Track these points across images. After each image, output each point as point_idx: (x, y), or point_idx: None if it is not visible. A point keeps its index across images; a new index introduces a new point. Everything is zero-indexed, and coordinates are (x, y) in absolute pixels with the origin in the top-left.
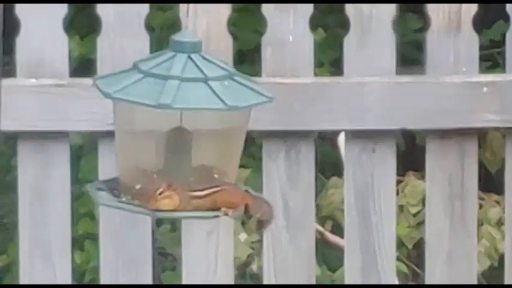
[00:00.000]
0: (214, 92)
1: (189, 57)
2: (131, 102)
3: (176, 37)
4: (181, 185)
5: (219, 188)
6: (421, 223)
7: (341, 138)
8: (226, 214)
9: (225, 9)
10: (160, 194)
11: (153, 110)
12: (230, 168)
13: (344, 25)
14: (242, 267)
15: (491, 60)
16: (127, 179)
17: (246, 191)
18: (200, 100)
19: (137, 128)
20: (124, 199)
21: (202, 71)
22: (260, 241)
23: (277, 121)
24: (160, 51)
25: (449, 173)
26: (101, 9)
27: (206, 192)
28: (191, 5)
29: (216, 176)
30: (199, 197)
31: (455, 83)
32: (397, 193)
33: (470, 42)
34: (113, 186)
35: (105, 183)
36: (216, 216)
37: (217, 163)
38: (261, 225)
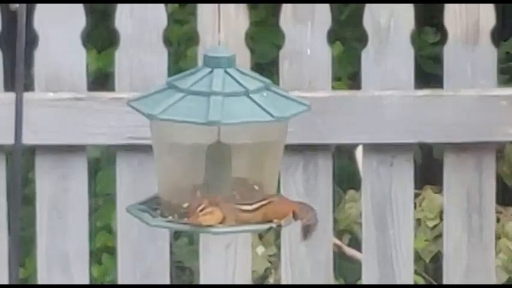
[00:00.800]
0: (259, 105)
1: (226, 72)
2: (179, 121)
3: (210, 53)
4: (225, 200)
5: (267, 201)
6: (439, 237)
7: (359, 152)
8: (279, 225)
9: (243, 22)
10: (201, 210)
11: (191, 126)
12: (270, 180)
13: (362, 38)
14: (260, 281)
15: (508, 74)
16: (169, 197)
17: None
18: (247, 114)
19: (176, 145)
20: (170, 218)
21: (241, 85)
22: (278, 254)
23: (295, 134)
24: (193, 69)
25: (466, 186)
26: (119, 22)
27: (255, 206)
28: (209, 18)
29: (256, 188)
30: (248, 211)
31: (473, 97)
32: (415, 207)
33: (488, 55)
34: (154, 206)
35: (145, 204)
36: (270, 228)
37: (257, 176)
38: (307, 230)
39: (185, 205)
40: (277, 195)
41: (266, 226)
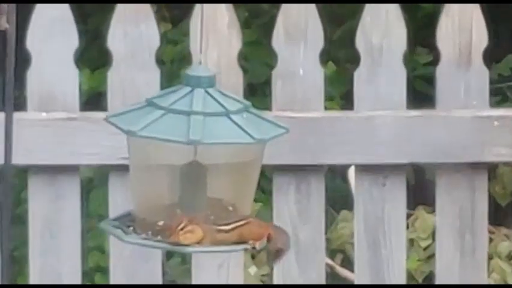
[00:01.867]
0: (239, 126)
1: (206, 91)
2: (159, 139)
3: (191, 72)
4: (203, 220)
5: (244, 222)
6: (431, 257)
7: (351, 172)
8: (254, 247)
9: (236, 42)
10: (181, 229)
11: (168, 144)
12: (245, 201)
13: (354, 59)
14: None
15: (500, 95)
16: (144, 214)
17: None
18: (227, 134)
19: (153, 163)
20: (144, 235)
21: (222, 105)
22: (270, 274)
23: (288, 155)
24: (173, 87)
25: (459, 206)
26: (112, 42)
27: (232, 226)
28: (202, 37)
29: (230, 209)
30: (225, 231)
31: (465, 117)
32: (407, 227)
33: (481, 76)
34: (127, 223)
35: (118, 220)
36: (246, 249)
37: (232, 196)
38: (278, 254)
39: (161, 223)
40: (252, 216)
41: (241, 247)
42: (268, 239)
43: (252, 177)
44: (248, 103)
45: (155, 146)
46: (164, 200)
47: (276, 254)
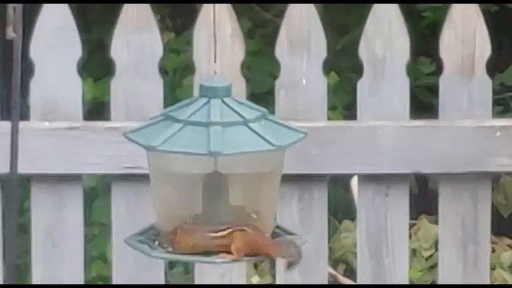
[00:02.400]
0: (258, 134)
1: (223, 101)
2: (180, 153)
3: (206, 82)
4: (195, 227)
5: (233, 229)
6: (434, 267)
7: (354, 182)
8: (226, 259)
9: (239, 52)
10: (172, 238)
11: (188, 156)
12: (268, 209)
13: (357, 69)
14: None
15: (502, 105)
16: (167, 227)
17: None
18: (247, 143)
19: (174, 175)
20: (170, 249)
21: (239, 114)
22: (273, 283)
23: (291, 164)
24: (189, 99)
25: (461, 216)
26: (115, 51)
27: (222, 233)
28: (205, 47)
29: (254, 216)
30: (216, 238)
31: (468, 127)
32: (410, 237)
33: (484, 86)
34: (152, 237)
35: (143, 235)
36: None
37: (255, 205)
38: (289, 265)
39: None
40: (251, 225)
41: (219, 260)
42: (269, 256)
43: (273, 184)
44: (265, 110)
45: (175, 158)
46: (186, 212)
47: (287, 264)
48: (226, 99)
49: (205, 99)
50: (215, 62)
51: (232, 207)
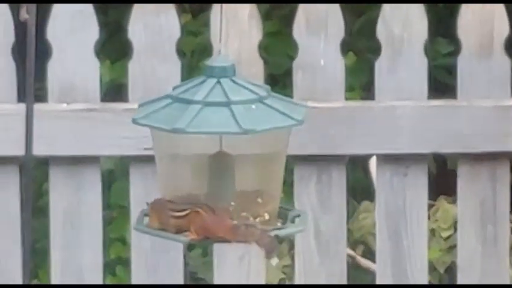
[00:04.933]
0: (234, 116)
1: (218, 81)
2: (150, 127)
3: (209, 62)
4: (159, 205)
5: (190, 211)
6: (453, 247)
7: (373, 163)
8: (188, 238)
9: (256, 33)
10: (145, 215)
11: (193, 136)
12: (273, 190)
13: (375, 49)
14: None
15: None
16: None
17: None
18: (216, 124)
19: (176, 154)
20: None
21: (226, 95)
22: (292, 265)
23: (309, 145)
24: (197, 77)
25: (480, 197)
26: (132, 33)
27: (182, 213)
28: (222, 29)
29: (259, 200)
30: (177, 217)
31: (486, 107)
32: (428, 217)
33: (502, 66)
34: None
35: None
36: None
37: (260, 186)
38: (267, 254)
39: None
40: (207, 208)
41: (182, 238)
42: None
43: (278, 164)
44: (266, 94)
45: (178, 138)
46: (191, 191)
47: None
48: (222, 80)
49: (202, 78)
50: (220, 41)
51: (235, 188)
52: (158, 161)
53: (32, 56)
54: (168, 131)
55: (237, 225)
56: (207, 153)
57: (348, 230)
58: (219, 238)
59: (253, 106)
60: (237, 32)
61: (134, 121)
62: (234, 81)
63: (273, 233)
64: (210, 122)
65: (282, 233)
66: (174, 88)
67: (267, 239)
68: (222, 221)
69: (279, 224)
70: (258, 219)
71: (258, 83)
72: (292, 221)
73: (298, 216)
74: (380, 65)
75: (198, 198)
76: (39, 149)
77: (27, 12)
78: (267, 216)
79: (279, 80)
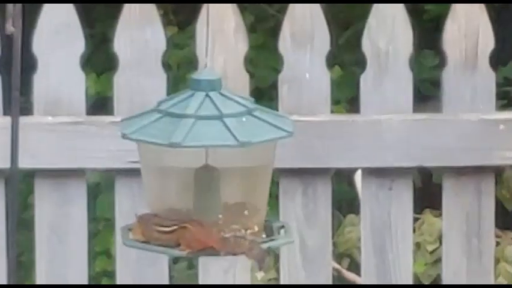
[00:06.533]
0: (228, 129)
1: (207, 95)
2: (144, 142)
3: (195, 75)
4: (146, 220)
5: (179, 226)
6: (438, 261)
7: (358, 176)
8: (184, 251)
9: (242, 46)
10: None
11: (180, 150)
12: (258, 203)
13: (361, 63)
14: None
15: (506, 98)
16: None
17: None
18: (212, 137)
19: (162, 167)
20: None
21: (218, 109)
22: (277, 279)
23: (294, 158)
24: (183, 91)
25: (466, 210)
26: (118, 46)
27: (169, 229)
28: (208, 42)
29: (245, 213)
30: (164, 233)
31: (471, 121)
32: (414, 231)
33: (487, 79)
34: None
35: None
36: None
37: (245, 199)
38: (259, 265)
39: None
40: (194, 222)
41: (177, 252)
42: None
43: (265, 177)
44: (254, 106)
45: (165, 150)
46: (178, 204)
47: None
48: (211, 93)
49: (190, 92)
50: (206, 56)
51: (223, 202)
52: (145, 175)
53: (18, 69)
54: (165, 146)
55: (227, 237)
56: (193, 167)
57: (334, 243)
58: (211, 249)
59: (244, 119)
60: (222, 45)
61: (124, 136)
62: (222, 94)
63: (265, 245)
64: (205, 135)
65: (273, 244)
66: (159, 103)
67: (258, 251)
68: (211, 233)
69: (264, 236)
70: (248, 231)
71: (244, 96)
72: (278, 233)
73: (283, 227)
74: (366, 79)
75: (185, 211)
76: (25, 162)
77: (13, 25)
78: (256, 228)
79: (265, 93)
